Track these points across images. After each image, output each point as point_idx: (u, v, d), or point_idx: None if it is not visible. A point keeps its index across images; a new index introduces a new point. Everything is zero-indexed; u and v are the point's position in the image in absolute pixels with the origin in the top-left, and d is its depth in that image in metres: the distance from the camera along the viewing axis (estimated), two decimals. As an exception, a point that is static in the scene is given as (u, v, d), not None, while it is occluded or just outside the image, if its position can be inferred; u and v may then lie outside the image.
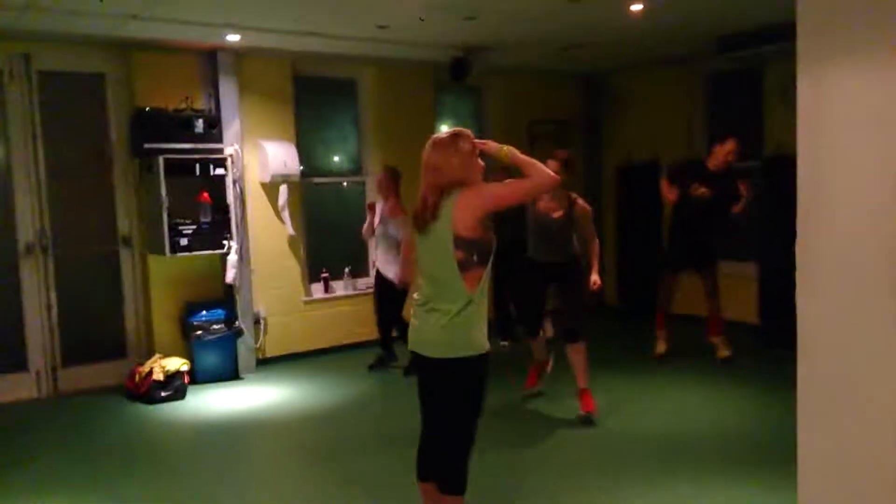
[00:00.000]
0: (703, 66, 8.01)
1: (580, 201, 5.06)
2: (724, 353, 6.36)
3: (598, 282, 5.06)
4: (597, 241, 5.15)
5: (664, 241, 6.72)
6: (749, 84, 7.65)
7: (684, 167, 6.31)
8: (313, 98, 7.38)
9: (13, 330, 5.95)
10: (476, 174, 2.96)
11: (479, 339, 2.96)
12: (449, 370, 2.94)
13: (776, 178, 7.13)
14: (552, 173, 2.97)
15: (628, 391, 5.72)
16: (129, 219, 6.37)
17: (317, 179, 7.42)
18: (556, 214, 4.98)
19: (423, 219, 2.96)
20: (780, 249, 6.71)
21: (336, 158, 7.69)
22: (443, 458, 3.06)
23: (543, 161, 3.11)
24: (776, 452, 4.01)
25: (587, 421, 4.96)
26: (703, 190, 5.99)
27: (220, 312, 6.48)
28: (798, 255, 3.07)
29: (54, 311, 6.04)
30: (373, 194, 7.55)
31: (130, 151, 6.26)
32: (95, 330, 6.38)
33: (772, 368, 6.08)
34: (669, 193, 6.20)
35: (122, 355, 6.37)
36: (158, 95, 6.24)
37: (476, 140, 3.00)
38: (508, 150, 3.00)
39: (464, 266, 2.88)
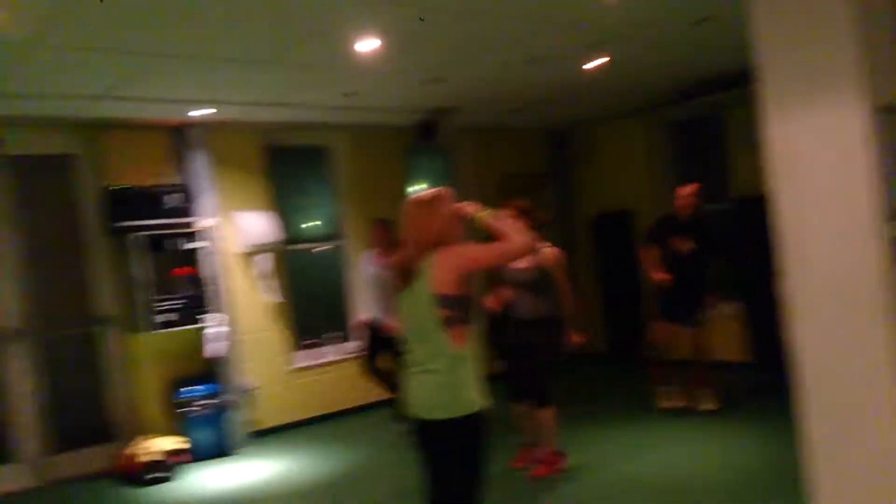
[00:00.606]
0: (663, 114, 8.25)
1: (546, 249, 4.76)
2: (708, 405, 6.11)
3: (577, 340, 4.84)
4: (570, 294, 4.87)
5: (655, 291, 6.50)
6: (710, 129, 7.88)
7: (659, 224, 6.28)
8: (287, 166, 7.45)
9: (-3, 420, 5.80)
10: (455, 235, 3.00)
11: (472, 398, 2.96)
12: (445, 432, 2.93)
13: (747, 218, 7.28)
14: (527, 240, 2.98)
15: (626, 440, 5.60)
16: (107, 298, 6.31)
17: (295, 246, 7.43)
18: (521, 264, 4.68)
19: (406, 278, 2.99)
20: (762, 286, 6.82)
21: (313, 224, 7.73)
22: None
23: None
24: (785, 489, 3.98)
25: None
26: (684, 244, 6.03)
27: (207, 387, 6.39)
28: (786, 290, 3.12)
29: (38, 397, 5.90)
30: (353, 255, 7.57)
31: (103, 230, 6.24)
32: (81, 414, 6.23)
33: (771, 405, 5.86)
34: (647, 258, 6.13)
35: (110, 438, 6.21)
36: (130, 173, 6.27)
37: (454, 203, 3.03)
38: (485, 216, 2.99)
39: (449, 323, 2.90)
